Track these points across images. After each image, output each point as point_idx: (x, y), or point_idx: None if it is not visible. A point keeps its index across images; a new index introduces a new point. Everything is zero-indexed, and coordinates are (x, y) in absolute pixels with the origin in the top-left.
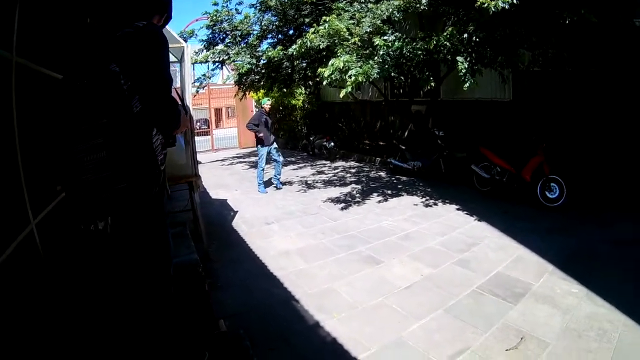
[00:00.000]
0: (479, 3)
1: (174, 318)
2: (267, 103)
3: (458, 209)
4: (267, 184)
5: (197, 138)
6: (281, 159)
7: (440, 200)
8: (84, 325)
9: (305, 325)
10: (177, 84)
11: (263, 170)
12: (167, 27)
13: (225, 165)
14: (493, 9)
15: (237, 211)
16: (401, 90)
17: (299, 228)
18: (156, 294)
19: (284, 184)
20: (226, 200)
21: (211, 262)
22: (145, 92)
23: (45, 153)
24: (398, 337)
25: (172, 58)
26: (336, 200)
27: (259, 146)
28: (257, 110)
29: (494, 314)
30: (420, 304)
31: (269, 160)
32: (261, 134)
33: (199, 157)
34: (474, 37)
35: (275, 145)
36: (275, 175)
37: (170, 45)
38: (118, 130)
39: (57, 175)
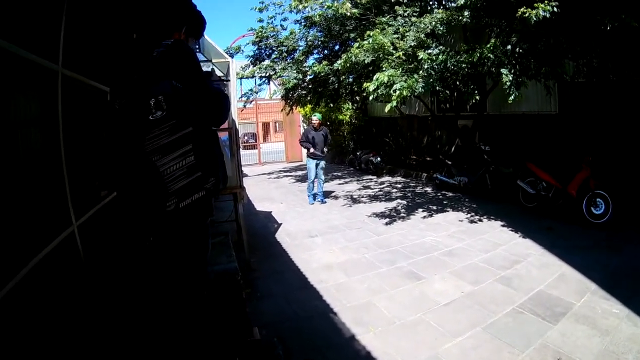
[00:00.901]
0: (519, 13)
1: (207, 322)
2: (314, 118)
3: (503, 226)
4: (316, 197)
5: (244, 152)
6: (323, 177)
7: (485, 217)
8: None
9: (342, 338)
10: None
11: (313, 182)
12: (212, 42)
13: (272, 179)
14: (534, 19)
15: (281, 223)
16: (447, 105)
17: (342, 242)
18: (190, 295)
19: (327, 197)
20: (271, 212)
21: (252, 272)
22: (199, 99)
23: (98, 161)
24: (434, 353)
25: (218, 72)
26: (381, 215)
27: (308, 159)
28: (305, 125)
29: (532, 334)
30: (458, 321)
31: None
32: (310, 149)
33: (246, 170)
34: (517, 49)
35: (323, 162)
36: (319, 191)
37: (215, 60)
38: (201, 135)
39: (129, 182)
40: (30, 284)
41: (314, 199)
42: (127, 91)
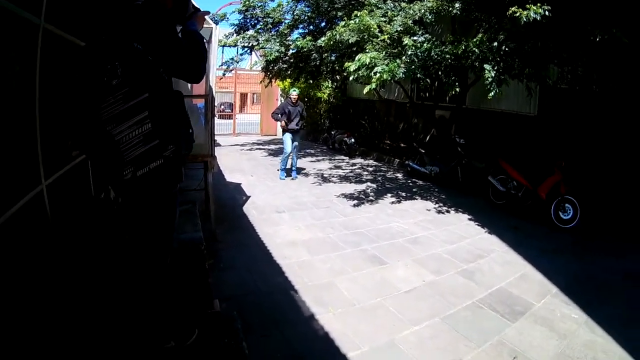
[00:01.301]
0: (510, 12)
1: (169, 290)
2: (293, 93)
3: (470, 219)
4: (287, 172)
5: (219, 121)
6: (296, 153)
7: (453, 208)
8: (80, 286)
9: (301, 316)
10: None
11: (288, 156)
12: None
13: (244, 150)
14: (525, 19)
15: (249, 196)
16: (427, 94)
17: (308, 219)
18: (154, 262)
19: (298, 173)
20: (240, 184)
21: (217, 243)
22: (169, 64)
23: (69, 123)
24: (391, 339)
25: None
26: (349, 197)
27: (285, 133)
28: (282, 99)
29: (490, 330)
30: (418, 309)
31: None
32: (283, 123)
33: (220, 139)
34: (504, 47)
35: (298, 138)
36: (293, 167)
37: None
38: (159, 101)
39: (87, 150)
40: None
41: (286, 175)
42: (90, 53)
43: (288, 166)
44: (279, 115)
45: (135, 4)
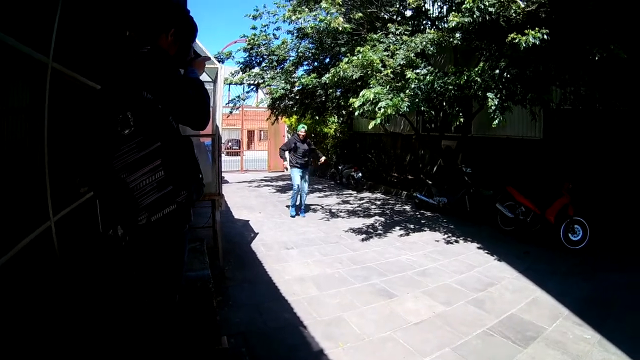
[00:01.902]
0: (509, 38)
1: (176, 327)
2: (301, 130)
3: (479, 248)
4: (298, 208)
5: (227, 158)
6: (307, 189)
7: (462, 238)
8: (87, 324)
9: (310, 351)
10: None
11: (297, 192)
12: (202, 47)
13: (252, 187)
14: (524, 45)
15: (257, 233)
16: (432, 125)
17: (317, 255)
18: (162, 300)
19: (307, 210)
20: (248, 221)
21: (225, 280)
22: (177, 112)
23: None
24: None
25: (206, 78)
26: (358, 231)
27: (293, 169)
28: (289, 135)
29: (502, 357)
30: (428, 340)
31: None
32: (286, 163)
33: (227, 176)
34: (505, 74)
35: (308, 173)
36: (301, 204)
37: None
38: (170, 148)
39: (100, 196)
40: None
41: (296, 212)
42: (101, 101)
43: (298, 202)
44: (285, 152)
45: (141, 51)
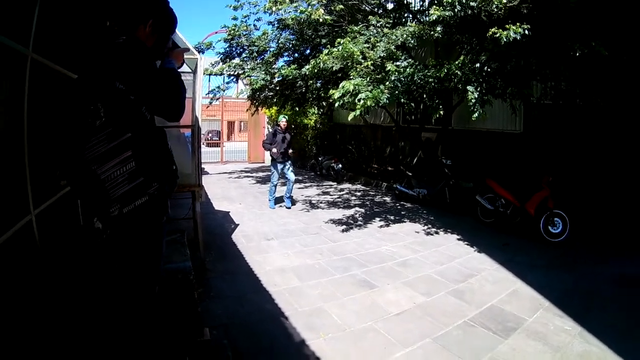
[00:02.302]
0: (490, 33)
1: (158, 320)
2: (283, 120)
3: (459, 239)
4: (277, 200)
5: (207, 149)
6: (293, 177)
7: (442, 229)
8: (69, 317)
9: (292, 342)
10: (189, 94)
11: (275, 186)
12: (182, 37)
13: (232, 179)
14: (505, 39)
15: (238, 224)
16: (413, 117)
17: (297, 246)
18: (141, 292)
19: (293, 202)
20: (229, 212)
21: (206, 272)
22: (150, 103)
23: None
24: None
25: (185, 68)
26: (338, 222)
27: (273, 162)
28: (269, 126)
29: (482, 347)
30: (409, 331)
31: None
32: (274, 151)
33: (207, 168)
34: (486, 67)
35: (289, 163)
36: (286, 194)
37: (185, 57)
38: (142, 140)
39: (73, 187)
40: None
41: (275, 204)
42: (73, 92)
43: (289, 194)
44: (269, 145)
45: (116, 42)
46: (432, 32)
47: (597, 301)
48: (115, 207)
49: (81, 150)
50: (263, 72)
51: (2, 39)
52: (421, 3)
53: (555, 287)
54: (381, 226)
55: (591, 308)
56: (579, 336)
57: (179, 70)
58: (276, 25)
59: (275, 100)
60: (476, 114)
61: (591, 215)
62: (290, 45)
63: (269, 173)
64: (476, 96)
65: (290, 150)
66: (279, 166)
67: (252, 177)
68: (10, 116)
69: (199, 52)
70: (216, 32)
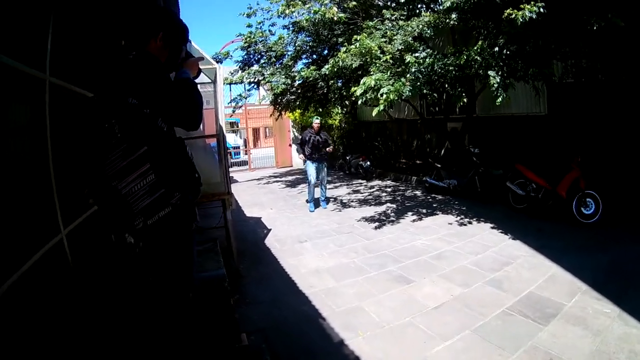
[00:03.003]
0: (506, 14)
1: (195, 328)
2: (316, 121)
3: (492, 228)
4: (316, 202)
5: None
6: (326, 179)
7: (475, 219)
8: (105, 333)
9: (331, 343)
10: (210, 104)
11: (313, 186)
12: (199, 49)
13: (262, 184)
14: (521, 20)
15: (270, 229)
16: (437, 108)
17: (331, 247)
18: (175, 299)
19: (327, 202)
20: (260, 218)
21: (241, 279)
22: (165, 113)
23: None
24: (423, 357)
25: (205, 79)
26: (370, 220)
27: (308, 162)
28: (294, 130)
29: (522, 336)
30: (448, 324)
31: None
32: (302, 156)
33: (236, 176)
34: (505, 50)
35: (324, 164)
36: (322, 196)
37: (203, 67)
38: (159, 152)
39: (98, 203)
40: (19, 292)
41: (315, 206)
42: (89, 111)
43: (317, 196)
44: (302, 147)
45: (126, 58)
46: (447, 20)
47: (634, 282)
48: (140, 220)
49: (101, 167)
50: (283, 77)
51: (19, 65)
52: None
53: (592, 269)
54: (414, 220)
55: (629, 289)
56: (618, 318)
57: (196, 79)
58: (291, 28)
59: (297, 103)
60: (500, 99)
61: (624, 194)
62: (308, 47)
63: (298, 176)
64: (498, 80)
65: (329, 148)
66: (313, 166)
67: (281, 181)
68: (34, 139)
69: (217, 62)
70: (233, 42)
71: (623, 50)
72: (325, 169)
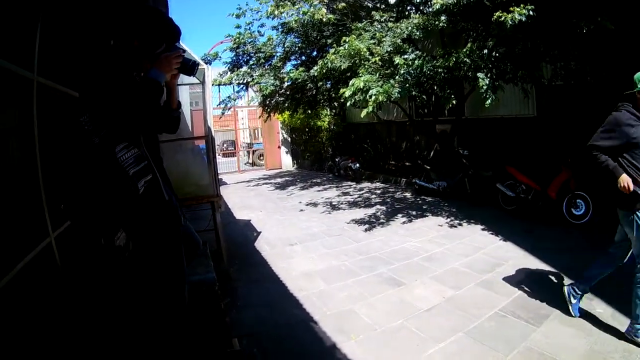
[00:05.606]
0: (495, 17)
1: (185, 332)
2: None
3: (483, 229)
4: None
5: (223, 159)
6: None
7: (465, 221)
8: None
9: (323, 346)
10: (199, 106)
11: None
12: (187, 49)
13: (251, 187)
14: (510, 22)
15: (260, 232)
16: (426, 110)
17: (321, 249)
18: (167, 306)
19: (307, 205)
20: (250, 220)
21: (232, 282)
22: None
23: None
24: None
25: (193, 79)
26: (360, 222)
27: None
28: (283, 132)
29: (516, 337)
30: (440, 326)
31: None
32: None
33: (225, 178)
34: (494, 53)
35: None
36: None
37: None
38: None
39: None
40: (6, 299)
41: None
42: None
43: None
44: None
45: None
46: (436, 22)
47: (624, 282)
48: (142, 184)
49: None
50: (272, 78)
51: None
52: None
53: (583, 270)
54: (404, 222)
55: (619, 289)
56: (611, 318)
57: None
58: (280, 29)
59: (286, 104)
60: (489, 101)
61: (613, 194)
62: (297, 49)
63: (288, 178)
64: (487, 82)
65: None
66: None
67: (270, 183)
68: (22, 140)
69: (206, 63)
70: (221, 42)
71: (612, 53)
72: None
